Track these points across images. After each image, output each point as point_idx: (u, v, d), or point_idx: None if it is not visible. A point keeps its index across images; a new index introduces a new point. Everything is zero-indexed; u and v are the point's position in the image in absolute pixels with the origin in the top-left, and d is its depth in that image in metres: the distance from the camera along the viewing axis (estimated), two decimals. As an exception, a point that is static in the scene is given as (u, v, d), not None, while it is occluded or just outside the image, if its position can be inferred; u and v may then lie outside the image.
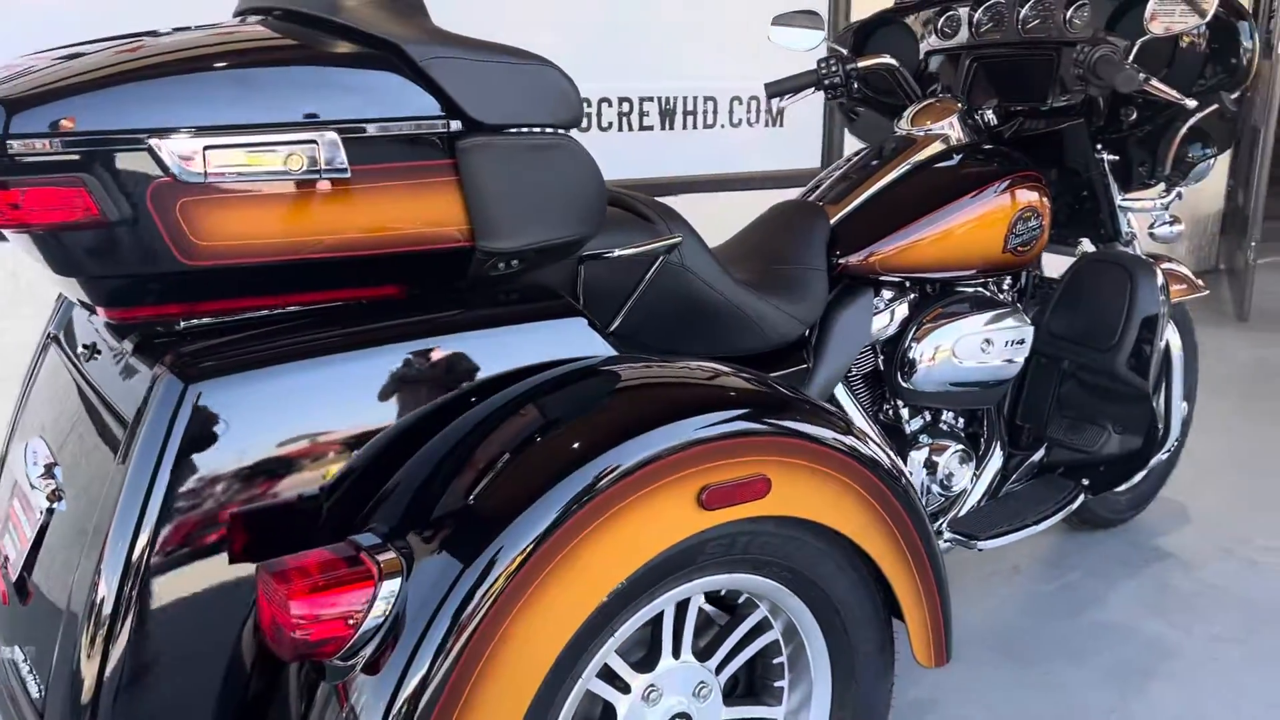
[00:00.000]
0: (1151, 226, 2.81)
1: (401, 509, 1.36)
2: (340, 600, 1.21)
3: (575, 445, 1.37)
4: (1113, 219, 2.70)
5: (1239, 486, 3.48)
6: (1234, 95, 2.42)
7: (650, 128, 4.29)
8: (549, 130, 1.53)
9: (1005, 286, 2.59)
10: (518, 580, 1.27)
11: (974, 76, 2.71)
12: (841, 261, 2.26)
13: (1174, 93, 2.34)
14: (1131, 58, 2.41)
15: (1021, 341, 2.44)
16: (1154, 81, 2.34)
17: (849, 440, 1.57)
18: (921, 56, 2.86)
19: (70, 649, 1.30)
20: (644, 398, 1.49)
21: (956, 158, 2.44)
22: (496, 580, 1.26)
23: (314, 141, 1.36)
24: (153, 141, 1.28)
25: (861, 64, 2.68)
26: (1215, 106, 2.38)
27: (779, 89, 2.73)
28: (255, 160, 1.34)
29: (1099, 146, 2.66)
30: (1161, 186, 2.76)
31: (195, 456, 1.30)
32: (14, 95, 1.24)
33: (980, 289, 2.50)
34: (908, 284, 2.38)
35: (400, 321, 1.49)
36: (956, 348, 2.35)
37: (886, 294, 2.35)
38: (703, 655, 1.61)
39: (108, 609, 1.27)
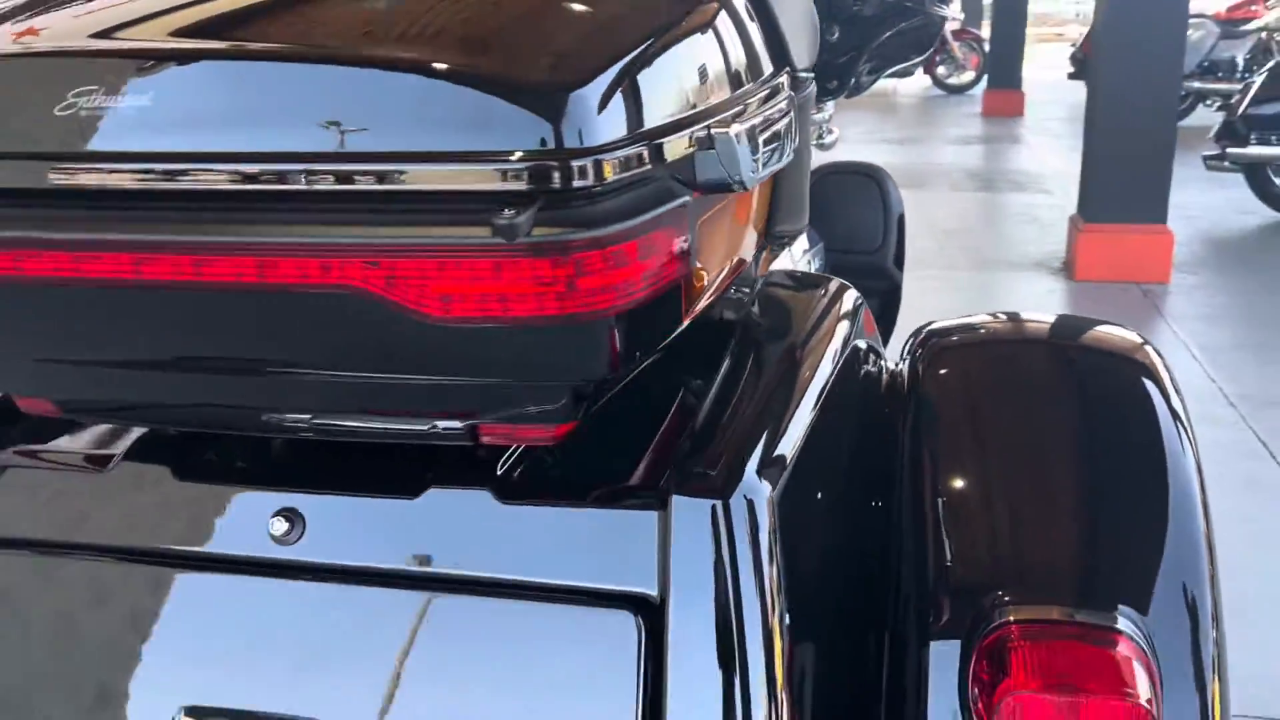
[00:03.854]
0: (820, 138, 3.07)
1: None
2: None
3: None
4: None
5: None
6: (943, 6, 2.72)
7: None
8: (809, 78, 1.28)
9: None
10: None
11: None
12: None
13: (940, 6, 2.58)
14: None
15: (817, 255, 2.58)
16: None
17: None
18: None
19: None
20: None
21: None
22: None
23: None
24: (732, 129, 0.86)
25: None
26: (921, 20, 2.65)
27: None
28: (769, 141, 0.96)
29: None
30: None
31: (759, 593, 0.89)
32: (569, 73, 0.76)
33: None
34: None
35: (790, 341, 1.18)
36: None
37: None
38: None
39: None
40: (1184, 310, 4.64)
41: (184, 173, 0.74)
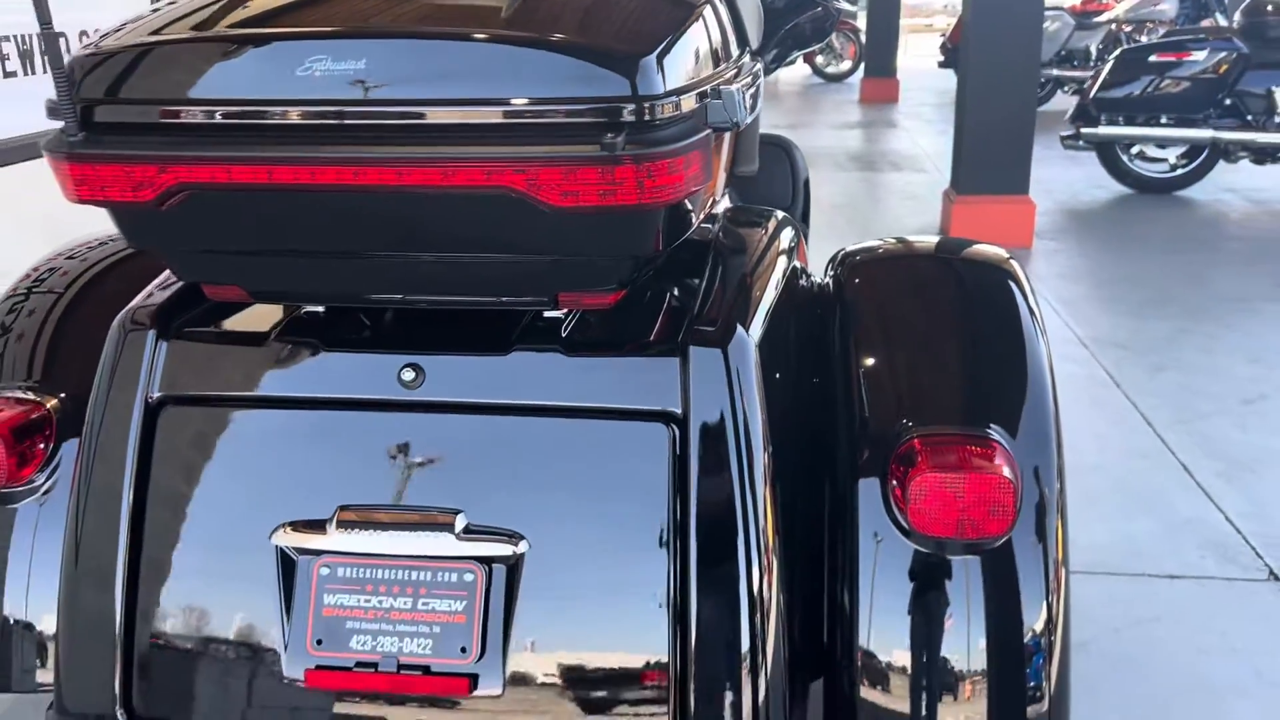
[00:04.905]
0: None
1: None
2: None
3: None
4: None
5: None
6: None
7: None
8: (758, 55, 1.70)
9: None
10: None
11: None
12: None
13: None
14: None
15: None
16: None
17: None
18: None
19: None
20: None
21: None
22: None
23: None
24: (733, 86, 1.26)
25: None
26: (820, 11, 3.09)
27: None
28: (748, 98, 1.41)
29: None
30: None
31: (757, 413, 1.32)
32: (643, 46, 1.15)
33: None
34: None
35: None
36: None
37: None
38: None
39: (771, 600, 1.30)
40: (1045, 270, 5.23)
41: (392, 113, 1.13)
